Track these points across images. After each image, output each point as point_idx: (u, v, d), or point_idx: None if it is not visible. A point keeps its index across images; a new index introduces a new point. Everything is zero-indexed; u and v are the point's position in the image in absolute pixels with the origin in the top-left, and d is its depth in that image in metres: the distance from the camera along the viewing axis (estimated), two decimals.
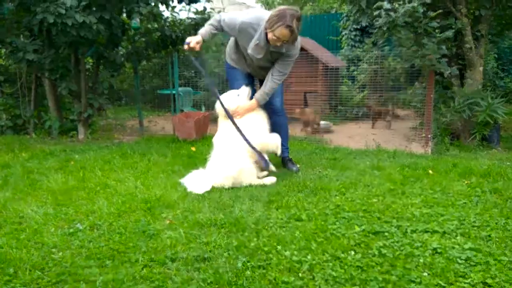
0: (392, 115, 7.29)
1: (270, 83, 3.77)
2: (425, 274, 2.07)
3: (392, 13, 4.88)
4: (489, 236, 2.48)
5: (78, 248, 2.42)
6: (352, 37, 10.95)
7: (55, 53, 6.20)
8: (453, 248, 2.32)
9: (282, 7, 3.53)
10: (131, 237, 2.55)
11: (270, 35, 3.47)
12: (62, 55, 6.25)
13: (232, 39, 4.00)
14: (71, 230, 2.67)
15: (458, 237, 2.48)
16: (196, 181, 3.60)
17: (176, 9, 6.93)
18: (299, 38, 3.68)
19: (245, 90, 3.83)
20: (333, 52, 9.11)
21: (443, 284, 1.97)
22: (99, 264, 2.23)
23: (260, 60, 3.79)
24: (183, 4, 6.78)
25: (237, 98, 3.78)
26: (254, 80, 4.22)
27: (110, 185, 3.71)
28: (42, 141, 6.45)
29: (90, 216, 2.92)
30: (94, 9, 5.76)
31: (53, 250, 2.41)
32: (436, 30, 5.03)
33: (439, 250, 2.29)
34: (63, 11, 5.15)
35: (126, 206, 3.09)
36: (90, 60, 7.64)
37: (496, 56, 9.03)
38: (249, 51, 3.68)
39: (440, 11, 5.22)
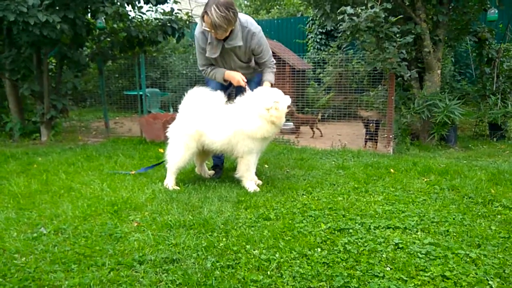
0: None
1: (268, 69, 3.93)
2: (388, 268, 2.16)
3: (355, 18, 5.02)
4: (447, 231, 2.62)
5: (42, 253, 2.36)
6: (318, 40, 11.18)
7: (17, 53, 5.99)
8: (414, 243, 2.43)
9: None
10: (97, 241, 2.51)
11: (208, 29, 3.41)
12: (24, 55, 6.04)
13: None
14: (35, 235, 2.60)
15: (419, 233, 2.60)
16: None
17: (143, 10, 6.84)
18: (245, 17, 3.56)
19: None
20: (300, 55, 9.26)
21: (404, 278, 2.06)
22: (64, 269, 2.18)
23: (231, 62, 3.73)
24: (150, 4, 6.71)
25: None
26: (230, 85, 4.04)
27: (75, 188, 3.63)
28: (3, 144, 6.22)
29: (55, 220, 2.85)
30: (57, 8, 5.60)
31: (16, 255, 2.34)
32: (397, 35, 5.22)
33: (400, 245, 2.39)
34: (25, 9, 4.98)
35: (92, 209, 3.03)
36: (53, 60, 7.42)
37: (453, 59, 9.44)
38: (207, 54, 3.63)
39: (400, 16, 5.44)
